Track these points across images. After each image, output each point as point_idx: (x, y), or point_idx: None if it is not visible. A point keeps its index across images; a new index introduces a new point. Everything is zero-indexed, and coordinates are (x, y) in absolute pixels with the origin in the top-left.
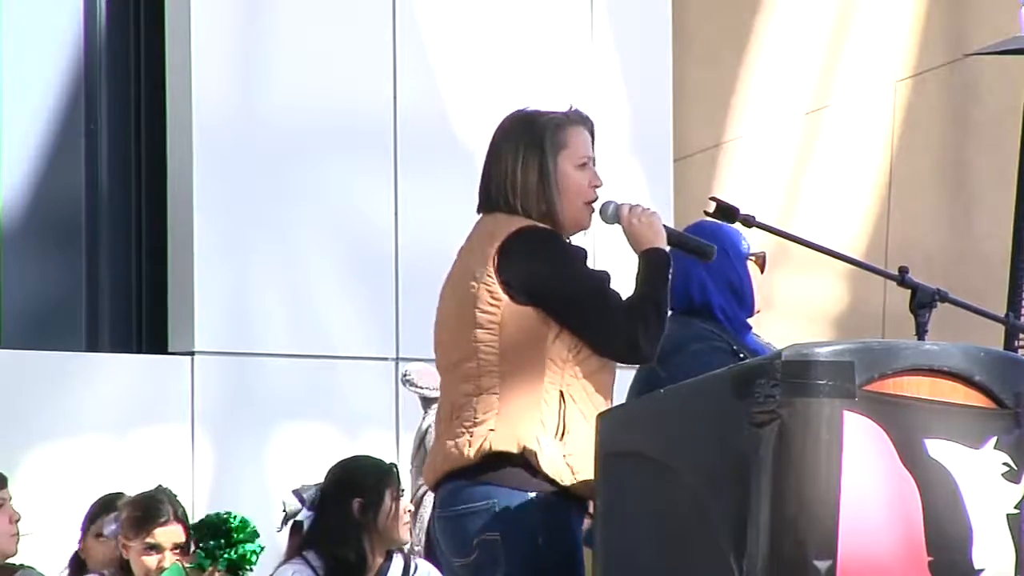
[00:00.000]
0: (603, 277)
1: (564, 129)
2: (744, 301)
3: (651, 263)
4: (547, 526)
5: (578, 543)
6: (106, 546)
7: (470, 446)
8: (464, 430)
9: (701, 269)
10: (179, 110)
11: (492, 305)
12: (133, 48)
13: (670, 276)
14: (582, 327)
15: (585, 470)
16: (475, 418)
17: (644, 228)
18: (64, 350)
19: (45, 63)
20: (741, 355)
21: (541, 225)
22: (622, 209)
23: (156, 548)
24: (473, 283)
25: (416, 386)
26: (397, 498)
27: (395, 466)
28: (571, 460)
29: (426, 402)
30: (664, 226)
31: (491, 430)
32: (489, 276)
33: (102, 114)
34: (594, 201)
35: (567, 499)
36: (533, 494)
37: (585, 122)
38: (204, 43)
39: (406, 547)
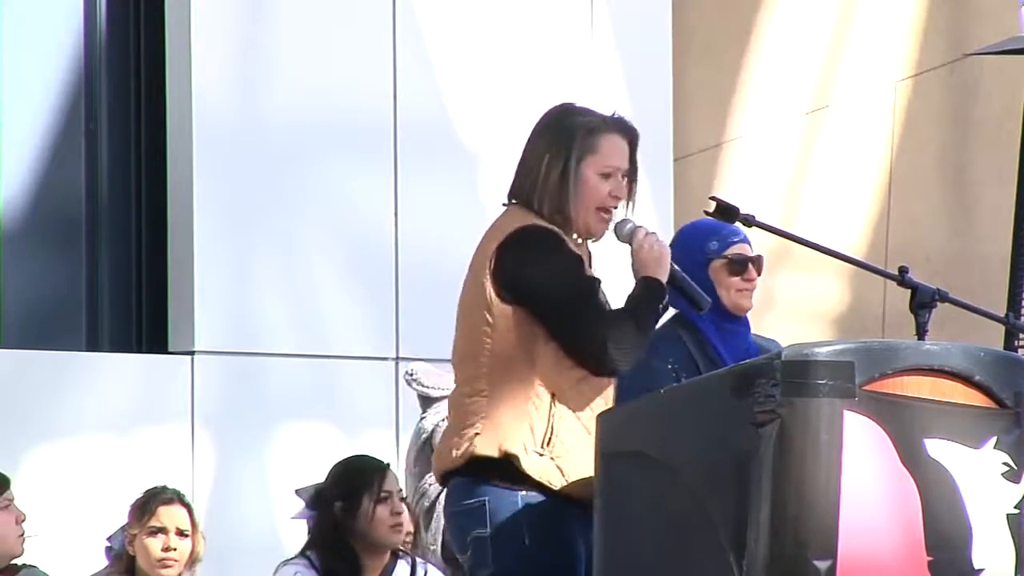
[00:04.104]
0: (591, 284)
1: (596, 134)
2: (696, 304)
3: (649, 289)
4: (534, 526)
5: (571, 544)
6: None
7: (458, 448)
8: (456, 431)
9: None
10: (179, 110)
11: (489, 305)
12: (133, 48)
13: (660, 309)
14: (558, 331)
15: (577, 472)
16: (466, 420)
17: (654, 257)
18: (64, 350)
19: (45, 63)
20: (698, 362)
21: (543, 225)
22: (638, 232)
23: (160, 530)
24: (483, 280)
25: (423, 385)
26: (378, 500)
27: (385, 466)
28: (561, 463)
29: (427, 402)
30: (671, 265)
31: (477, 434)
32: (490, 273)
33: (102, 114)
34: (610, 211)
35: (559, 500)
36: (523, 493)
37: (624, 132)
38: (204, 43)
39: (420, 547)
